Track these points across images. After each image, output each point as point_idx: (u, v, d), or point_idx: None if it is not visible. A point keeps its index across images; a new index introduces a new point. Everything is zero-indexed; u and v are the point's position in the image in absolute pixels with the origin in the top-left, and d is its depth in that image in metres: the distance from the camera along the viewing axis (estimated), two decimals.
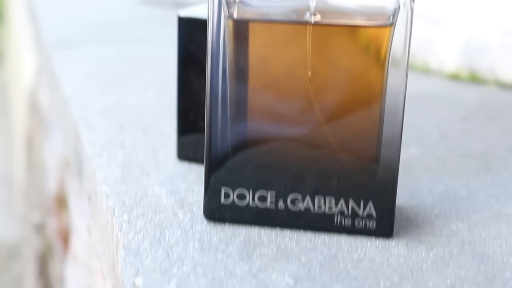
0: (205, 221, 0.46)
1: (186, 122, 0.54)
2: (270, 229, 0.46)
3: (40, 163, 1.32)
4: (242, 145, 0.46)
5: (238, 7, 0.43)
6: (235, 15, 0.43)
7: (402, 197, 0.52)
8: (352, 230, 0.46)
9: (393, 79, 0.44)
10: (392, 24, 0.42)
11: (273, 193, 0.46)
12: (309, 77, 0.44)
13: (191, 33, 0.52)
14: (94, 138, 0.60)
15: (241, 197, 0.46)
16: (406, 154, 0.60)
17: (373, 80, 0.45)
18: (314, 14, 0.43)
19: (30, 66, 1.42)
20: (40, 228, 1.35)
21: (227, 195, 0.46)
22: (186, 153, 0.55)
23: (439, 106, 0.73)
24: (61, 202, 1.00)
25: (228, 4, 0.43)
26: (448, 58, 0.84)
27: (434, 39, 0.85)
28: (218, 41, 0.43)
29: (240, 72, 0.44)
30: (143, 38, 0.94)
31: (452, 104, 0.74)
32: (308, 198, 0.46)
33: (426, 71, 0.86)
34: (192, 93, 0.53)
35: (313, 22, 0.43)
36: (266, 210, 0.46)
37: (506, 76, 0.81)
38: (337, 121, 0.46)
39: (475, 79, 0.83)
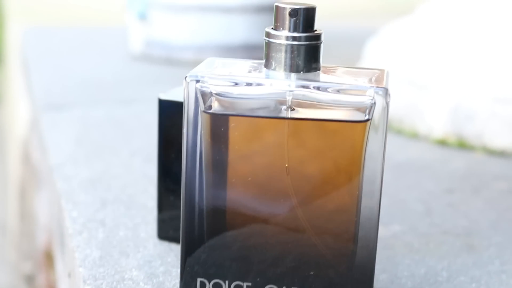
0: None
1: (166, 202, 0.54)
2: None
3: (31, 214, 1.31)
4: (219, 231, 0.46)
5: (214, 100, 0.43)
6: (211, 109, 0.43)
7: (382, 280, 0.52)
8: None
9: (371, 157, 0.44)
10: (368, 120, 0.42)
11: (249, 284, 0.46)
12: (286, 169, 0.45)
13: (172, 115, 0.52)
14: (75, 214, 0.59)
15: (217, 286, 0.46)
16: (390, 231, 0.60)
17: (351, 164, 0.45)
18: (292, 109, 0.43)
19: (24, 115, 1.42)
20: (30, 280, 1.34)
21: (203, 284, 0.46)
22: (166, 232, 0.55)
23: (425, 175, 0.73)
24: (49, 259, 1.00)
25: (203, 96, 0.43)
26: (436, 124, 0.84)
27: (423, 104, 0.85)
28: (196, 135, 0.43)
29: (217, 164, 0.44)
30: (133, 99, 0.95)
31: (438, 173, 0.74)
32: None
33: (414, 136, 0.86)
34: (172, 175, 0.53)
35: (289, 117, 0.43)
36: None
37: (493, 143, 0.81)
38: (315, 203, 0.46)
39: (463, 145, 0.83)
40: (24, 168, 1.45)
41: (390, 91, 0.43)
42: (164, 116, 0.53)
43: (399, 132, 0.87)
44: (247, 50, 1.18)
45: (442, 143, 0.84)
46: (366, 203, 0.45)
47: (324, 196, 0.46)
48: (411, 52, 0.89)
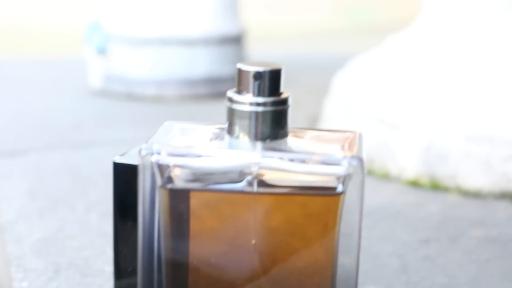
0: None
1: (124, 274, 0.50)
2: None
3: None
4: None
5: (173, 173, 0.39)
6: (170, 183, 0.39)
7: None
8: None
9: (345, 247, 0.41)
10: (342, 193, 0.39)
11: None
12: (253, 245, 0.41)
13: (128, 181, 0.48)
14: (26, 284, 0.55)
15: None
16: None
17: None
18: (258, 179, 0.39)
19: None
20: None
21: None
22: None
23: (399, 224, 0.70)
24: None
25: (161, 169, 0.39)
26: (408, 164, 0.81)
27: (394, 144, 0.82)
28: (153, 213, 0.39)
29: (177, 242, 0.40)
30: (91, 142, 0.90)
31: (412, 221, 0.71)
32: None
33: (385, 176, 0.83)
34: (129, 244, 0.49)
35: (255, 191, 0.39)
36: None
37: (468, 184, 0.78)
38: (284, 265, 0.42)
39: (436, 187, 0.79)
40: None
41: (364, 159, 0.39)
42: (120, 181, 0.48)
43: (370, 172, 0.84)
44: (210, 84, 1.15)
45: (415, 184, 0.81)
46: (343, 260, 0.42)
47: (295, 253, 0.43)
48: (381, 89, 0.86)
